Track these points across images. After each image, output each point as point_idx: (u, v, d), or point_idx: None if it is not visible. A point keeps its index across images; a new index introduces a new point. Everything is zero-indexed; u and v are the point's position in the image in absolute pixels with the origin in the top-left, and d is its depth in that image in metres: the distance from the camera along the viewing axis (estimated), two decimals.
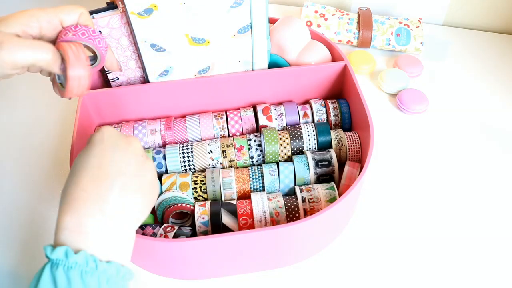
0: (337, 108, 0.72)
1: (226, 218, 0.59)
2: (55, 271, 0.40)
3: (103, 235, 0.43)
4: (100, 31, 0.56)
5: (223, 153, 0.67)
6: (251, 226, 0.59)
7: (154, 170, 0.51)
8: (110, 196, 0.44)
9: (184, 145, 0.67)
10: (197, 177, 0.64)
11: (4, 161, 0.75)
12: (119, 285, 0.43)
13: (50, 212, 0.68)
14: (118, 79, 0.70)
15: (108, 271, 0.42)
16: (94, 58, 0.56)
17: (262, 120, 0.71)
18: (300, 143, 0.68)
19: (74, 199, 0.44)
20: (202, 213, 0.59)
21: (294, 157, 0.66)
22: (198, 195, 0.63)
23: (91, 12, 0.63)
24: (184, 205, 0.61)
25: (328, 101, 0.73)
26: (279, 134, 0.68)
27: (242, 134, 0.71)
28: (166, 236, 0.57)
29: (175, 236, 0.57)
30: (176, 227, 0.58)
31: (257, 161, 0.68)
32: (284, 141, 0.67)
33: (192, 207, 0.61)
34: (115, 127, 0.70)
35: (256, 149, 0.67)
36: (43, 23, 0.52)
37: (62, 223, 0.43)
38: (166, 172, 0.67)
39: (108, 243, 0.44)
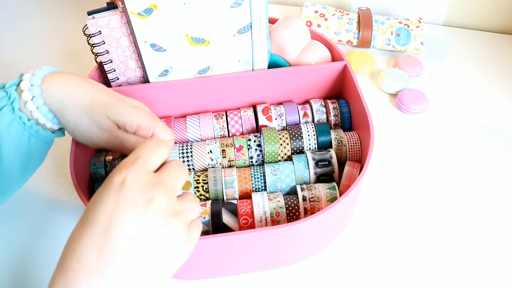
0: (337, 108, 0.72)
1: (226, 218, 0.59)
2: None
3: None
4: None
5: (222, 153, 0.67)
6: (252, 225, 0.59)
7: (180, 233, 0.42)
8: (108, 271, 0.37)
9: (184, 145, 0.67)
10: (199, 176, 0.64)
11: None
12: None
13: (49, 212, 0.68)
14: (118, 79, 0.70)
15: None
16: None
17: (262, 120, 0.71)
18: (300, 143, 0.68)
19: (66, 268, 0.38)
20: (203, 213, 0.59)
21: (294, 156, 0.66)
22: (200, 194, 0.63)
23: (91, 12, 0.63)
24: None
25: (328, 101, 0.73)
26: (279, 134, 0.68)
27: (242, 134, 0.71)
28: None
29: None
30: None
31: (256, 161, 0.68)
32: (284, 141, 0.67)
33: None
34: None
35: (256, 149, 0.67)
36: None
37: None
38: None
39: None
